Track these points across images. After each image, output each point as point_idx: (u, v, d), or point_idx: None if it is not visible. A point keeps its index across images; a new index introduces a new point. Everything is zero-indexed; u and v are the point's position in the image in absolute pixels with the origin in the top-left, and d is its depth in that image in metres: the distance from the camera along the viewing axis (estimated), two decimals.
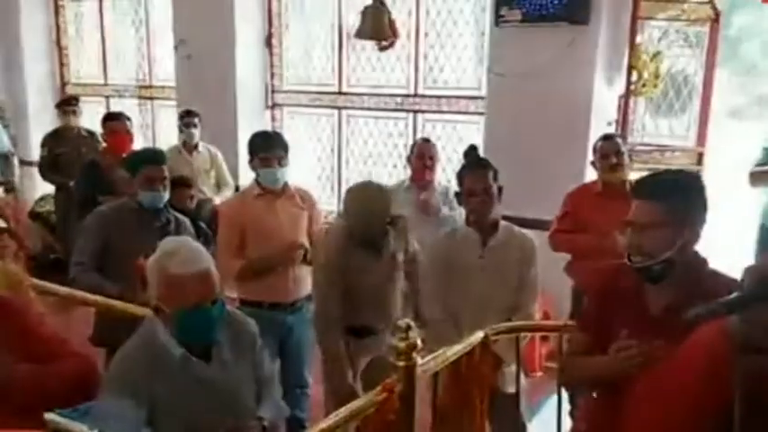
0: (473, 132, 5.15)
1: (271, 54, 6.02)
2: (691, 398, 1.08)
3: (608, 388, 1.93)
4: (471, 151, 3.00)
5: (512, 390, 2.78)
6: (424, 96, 5.39)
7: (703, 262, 1.88)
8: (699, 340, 1.08)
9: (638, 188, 1.93)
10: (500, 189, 2.78)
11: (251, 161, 3.36)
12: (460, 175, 2.84)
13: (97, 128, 5.24)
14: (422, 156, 4.07)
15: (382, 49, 5.26)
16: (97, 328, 3.23)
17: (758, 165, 4.23)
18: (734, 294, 1.03)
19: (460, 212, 4.08)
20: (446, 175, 5.07)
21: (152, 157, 3.24)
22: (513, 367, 2.74)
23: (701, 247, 1.89)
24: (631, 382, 1.37)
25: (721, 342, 1.02)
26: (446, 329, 2.74)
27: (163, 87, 6.80)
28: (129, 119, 4.91)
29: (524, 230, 2.93)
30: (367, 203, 2.88)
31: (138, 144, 5.56)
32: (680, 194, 1.82)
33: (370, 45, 5.39)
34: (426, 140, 4.32)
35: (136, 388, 1.87)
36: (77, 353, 1.98)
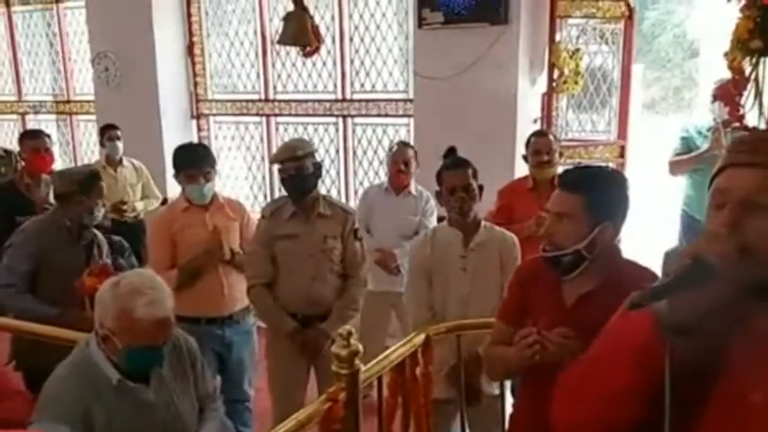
0: (403, 134, 5.19)
1: (193, 63, 5.90)
2: (622, 382, 1.09)
3: (530, 375, 1.95)
4: (450, 152, 2.98)
5: (494, 391, 2.71)
6: (352, 101, 5.38)
7: (617, 252, 1.91)
8: (626, 328, 1.10)
9: (561, 179, 1.95)
10: (481, 187, 2.78)
11: (176, 176, 3.30)
12: (440, 174, 2.80)
13: (13, 146, 5.02)
14: (396, 161, 4.02)
15: (306, 54, 5.23)
16: (14, 352, 3.08)
17: (677, 154, 4.42)
18: (660, 281, 1.04)
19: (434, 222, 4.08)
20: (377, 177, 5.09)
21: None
22: None
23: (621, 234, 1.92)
24: (552, 370, 1.38)
25: (649, 328, 1.04)
26: None
27: (81, 102, 6.58)
28: (48, 136, 4.72)
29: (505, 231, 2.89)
30: None
31: (58, 162, 5.36)
32: (601, 190, 1.83)
33: (294, 51, 5.35)
34: (405, 144, 4.23)
35: (72, 414, 1.82)
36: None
